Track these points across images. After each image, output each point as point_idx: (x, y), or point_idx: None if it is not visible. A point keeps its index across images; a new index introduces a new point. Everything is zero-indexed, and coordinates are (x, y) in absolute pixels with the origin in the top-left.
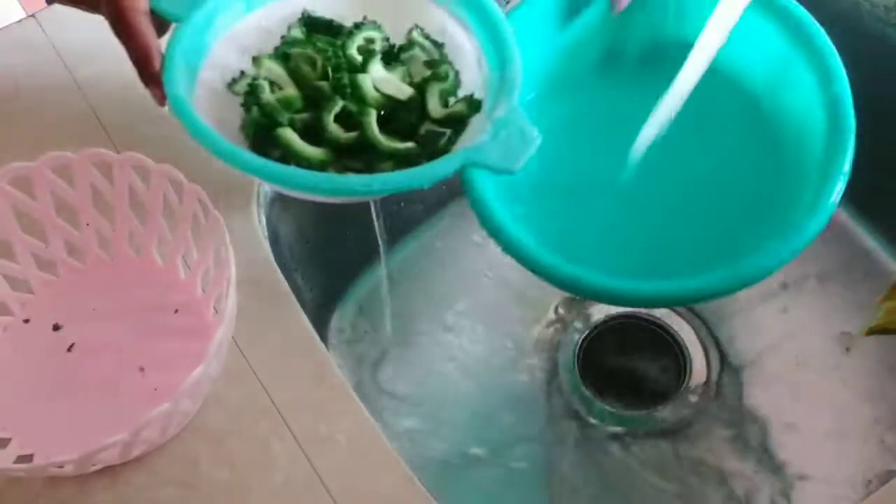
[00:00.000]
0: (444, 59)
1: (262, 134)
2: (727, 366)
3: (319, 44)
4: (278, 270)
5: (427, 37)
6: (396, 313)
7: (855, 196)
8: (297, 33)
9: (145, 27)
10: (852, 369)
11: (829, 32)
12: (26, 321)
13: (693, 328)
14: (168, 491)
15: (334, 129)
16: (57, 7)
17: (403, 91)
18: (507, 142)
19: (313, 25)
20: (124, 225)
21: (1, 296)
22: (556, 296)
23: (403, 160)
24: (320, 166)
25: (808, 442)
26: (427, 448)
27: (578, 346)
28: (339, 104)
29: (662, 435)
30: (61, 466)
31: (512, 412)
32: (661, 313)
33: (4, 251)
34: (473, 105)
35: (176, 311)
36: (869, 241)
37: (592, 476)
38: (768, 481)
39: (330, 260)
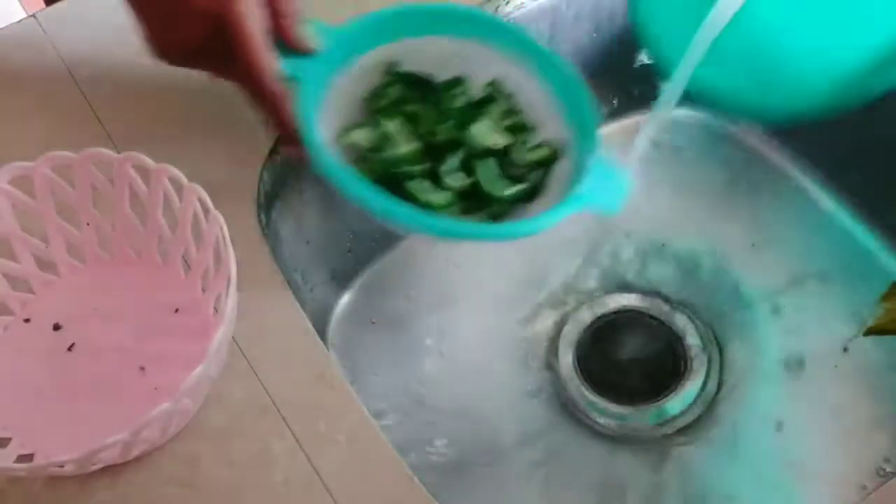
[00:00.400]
0: (518, 108)
1: (382, 183)
2: (726, 363)
3: (426, 101)
4: (278, 270)
5: (501, 88)
6: (397, 312)
7: (855, 196)
8: (397, 88)
9: (284, 95)
10: (851, 369)
11: None
12: (27, 321)
13: (693, 325)
14: (168, 490)
15: (453, 178)
16: (57, 7)
17: (499, 140)
18: (605, 186)
19: (404, 79)
20: (124, 225)
21: (1, 295)
22: (556, 292)
23: (512, 203)
24: (443, 209)
25: (806, 441)
26: (427, 447)
27: (578, 343)
28: (458, 156)
29: (662, 433)
30: (62, 466)
31: (512, 411)
32: (661, 311)
33: (5, 251)
34: (557, 150)
35: (176, 310)
36: (869, 241)
37: (592, 474)
38: (766, 480)
39: (330, 260)
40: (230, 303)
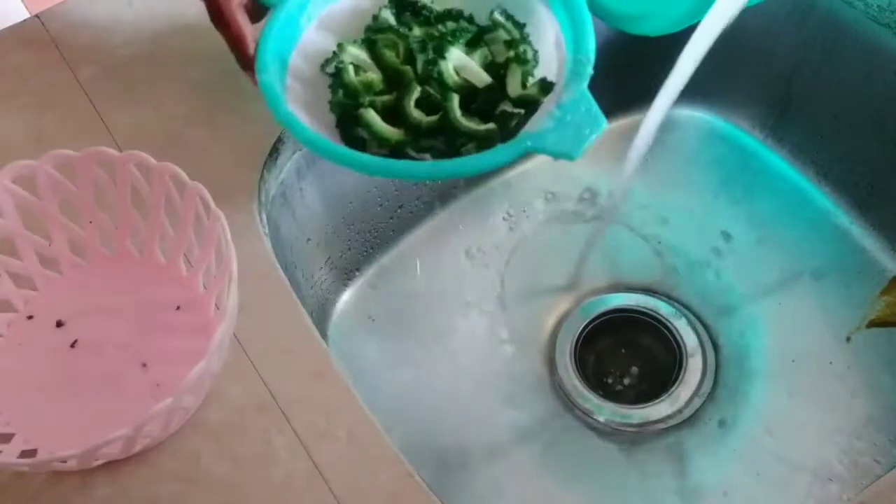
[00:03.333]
0: (524, 40)
1: (346, 114)
2: (722, 361)
3: (402, 29)
4: (279, 267)
5: (509, 17)
6: (396, 309)
7: (850, 194)
8: (388, 15)
9: (239, 17)
10: (846, 365)
11: (823, 33)
12: (30, 318)
13: (689, 323)
14: (169, 485)
15: (416, 113)
16: (60, 7)
17: (482, 79)
18: (571, 126)
19: (402, 5)
20: (127, 223)
21: (5, 293)
22: (554, 291)
23: (484, 140)
24: (398, 146)
25: (801, 438)
26: (426, 444)
27: (576, 341)
28: (418, 90)
29: (659, 430)
30: (65, 461)
31: (510, 408)
32: (658, 309)
33: (8, 249)
34: (545, 88)
35: (178, 307)
36: (863, 239)
37: (590, 472)
38: (761, 476)
39: (330, 257)
40: (231, 300)
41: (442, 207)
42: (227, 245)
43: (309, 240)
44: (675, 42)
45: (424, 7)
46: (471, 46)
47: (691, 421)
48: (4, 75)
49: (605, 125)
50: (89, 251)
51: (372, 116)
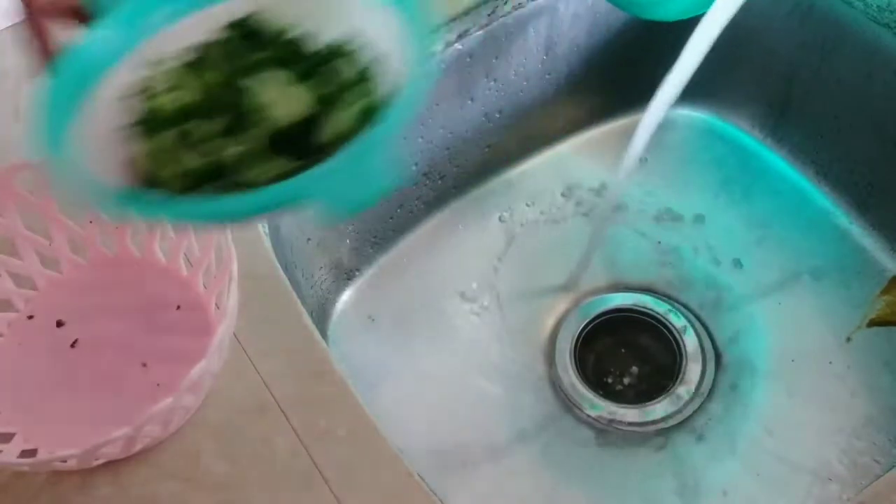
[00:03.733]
0: (366, 68)
1: (149, 145)
2: (722, 360)
3: (223, 59)
4: (279, 267)
5: (353, 44)
6: (396, 309)
7: (850, 194)
8: (217, 40)
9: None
10: (846, 365)
11: (823, 33)
12: (30, 317)
13: (689, 323)
14: (170, 485)
15: (216, 144)
16: None
17: (301, 110)
18: (361, 171)
19: (238, 31)
20: (127, 222)
21: (5, 292)
22: (554, 291)
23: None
24: (192, 181)
25: (800, 437)
26: (426, 444)
27: (576, 341)
28: (222, 119)
29: (659, 430)
30: (65, 461)
31: (510, 407)
32: (657, 309)
33: (8, 249)
34: (375, 120)
35: (178, 307)
36: (863, 238)
37: (590, 472)
38: (760, 475)
39: (331, 257)
40: (231, 300)
41: (441, 207)
42: (227, 245)
43: (309, 240)
44: (679, 41)
45: (258, 33)
46: (300, 74)
47: (691, 420)
48: (4, 75)
49: (399, 182)
50: (89, 251)
51: (167, 146)
